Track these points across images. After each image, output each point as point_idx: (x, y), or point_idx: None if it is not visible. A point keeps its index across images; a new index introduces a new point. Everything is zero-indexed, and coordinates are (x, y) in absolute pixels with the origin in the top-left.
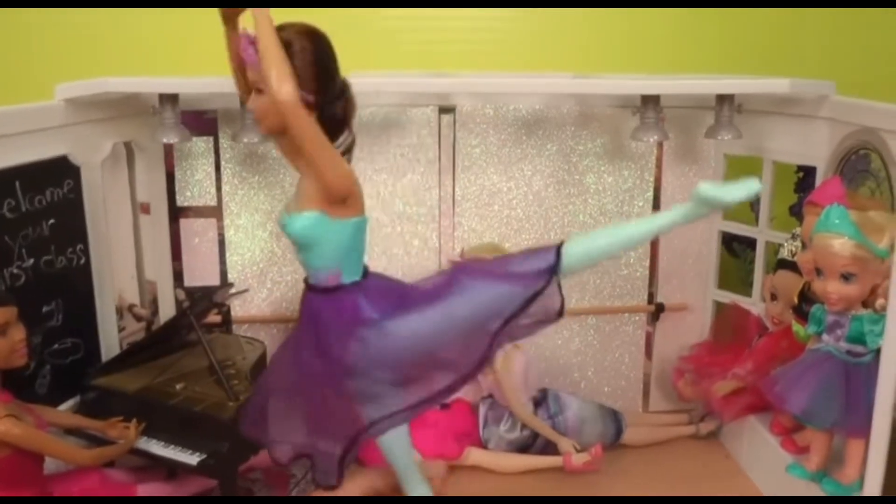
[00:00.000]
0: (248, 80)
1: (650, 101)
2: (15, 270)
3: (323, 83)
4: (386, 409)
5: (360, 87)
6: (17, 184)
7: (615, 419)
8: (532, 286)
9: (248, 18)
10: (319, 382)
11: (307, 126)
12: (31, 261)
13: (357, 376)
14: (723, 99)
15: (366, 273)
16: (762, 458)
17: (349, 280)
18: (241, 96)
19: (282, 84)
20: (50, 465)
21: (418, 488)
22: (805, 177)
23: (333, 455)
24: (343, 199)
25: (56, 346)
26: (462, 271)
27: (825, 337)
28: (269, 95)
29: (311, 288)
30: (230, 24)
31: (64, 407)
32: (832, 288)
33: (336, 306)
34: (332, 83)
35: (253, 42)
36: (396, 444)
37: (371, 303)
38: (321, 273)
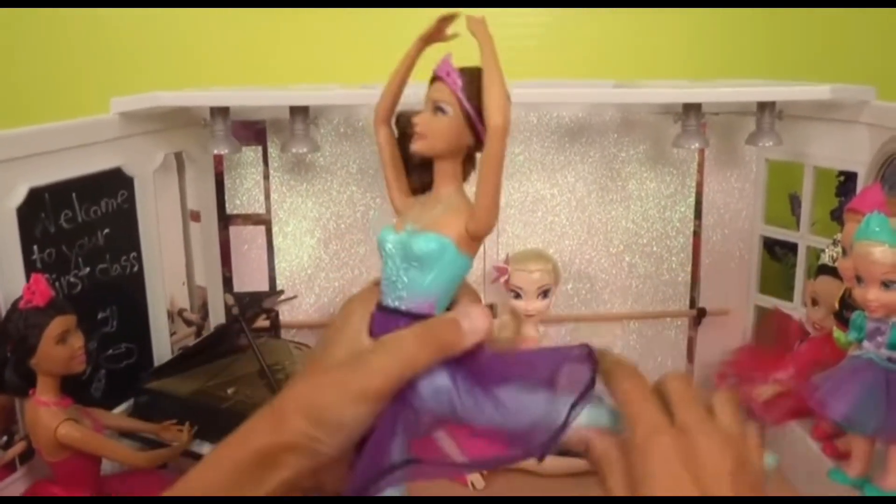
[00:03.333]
0: (431, 99)
1: (691, 109)
2: (72, 279)
3: None
4: (432, 452)
5: (407, 97)
6: (74, 195)
7: None
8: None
9: None
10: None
11: (502, 157)
12: (87, 269)
13: (423, 407)
14: (764, 105)
15: None
16: (803, 463)
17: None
18: (381, 112)
19: (505, 109)
20: (105, 466)
21: None
22: (846, 181)
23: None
24: (481, 237)
25: (111, 351)
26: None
27: (866, 344)
28: (453, 119)
29: (396, 311)
30: (429, 42)
31: (118, 410)
32: (872, 295)
33: None
34: None
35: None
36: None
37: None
38: (420, 298)
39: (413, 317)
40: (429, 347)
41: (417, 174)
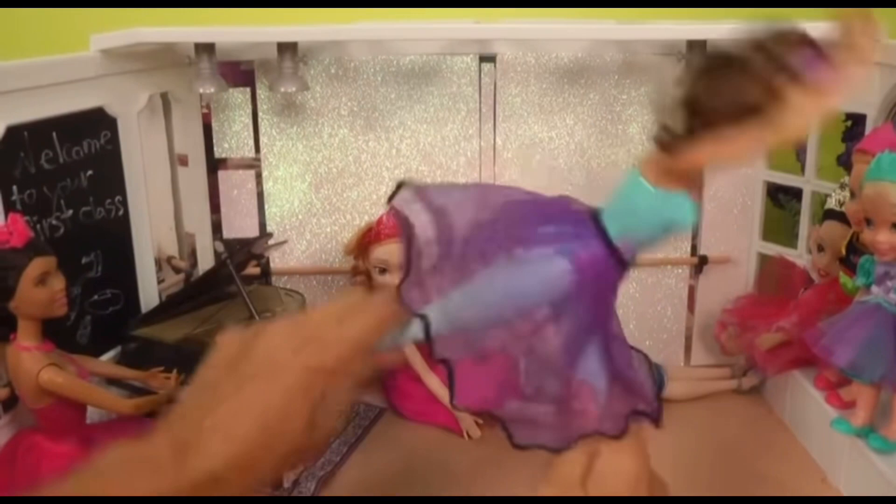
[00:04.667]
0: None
1: (696, 47)
2: (54, 221)
3: None
4: None
5: (400, 34)
6: (55, 135)
7: (657, 372)
8: None
9: None
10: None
11: None
12: (70, 212)
13: None
14: None
15: None
16: (806, 413)
17: None
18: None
19: None
20: (93, 414)
21: None
22: (853, 125)
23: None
24: None
25: (96, 296)
26: None
27: (874, 289)
28: None
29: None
30: None
31: (105, 357)
32: (882, 237)
33: None
34: None
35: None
36: None
37: None
38: None
39: None
40: None
41: None
